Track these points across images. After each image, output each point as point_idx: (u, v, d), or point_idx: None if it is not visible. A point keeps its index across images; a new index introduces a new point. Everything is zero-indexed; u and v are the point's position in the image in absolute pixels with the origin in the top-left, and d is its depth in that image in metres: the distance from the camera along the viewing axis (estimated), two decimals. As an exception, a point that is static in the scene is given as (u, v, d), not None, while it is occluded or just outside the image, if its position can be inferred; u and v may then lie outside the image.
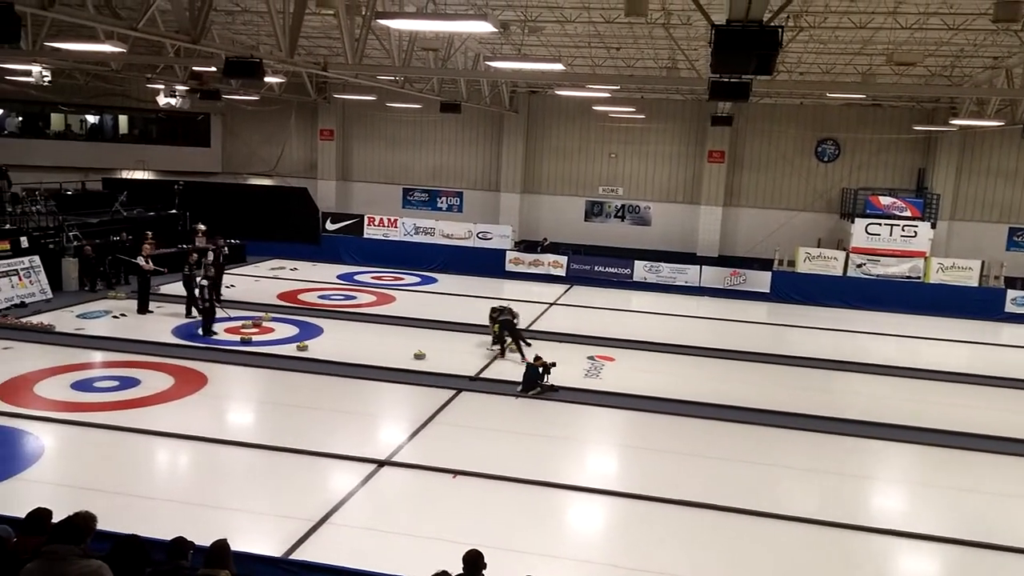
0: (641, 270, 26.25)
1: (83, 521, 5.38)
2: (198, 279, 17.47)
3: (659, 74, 23.00)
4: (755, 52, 7.83)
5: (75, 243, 20.76)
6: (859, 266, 25.22)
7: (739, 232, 29.83)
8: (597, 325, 19.79)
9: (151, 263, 18.89)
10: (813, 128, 28.99)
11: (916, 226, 25.17)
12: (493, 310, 17.28)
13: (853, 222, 25.64)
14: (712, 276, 25.83)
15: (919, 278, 24.95)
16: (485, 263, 26.86)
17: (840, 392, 15.64)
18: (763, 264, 26.55)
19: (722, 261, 27.89)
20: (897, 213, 25.59)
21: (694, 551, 9.03)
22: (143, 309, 18.58)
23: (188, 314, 18.22)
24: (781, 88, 23.96)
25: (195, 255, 18.81)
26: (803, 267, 25.56)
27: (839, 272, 25.34)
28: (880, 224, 25.22)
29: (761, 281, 25.47)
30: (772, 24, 7.87)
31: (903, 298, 24.40)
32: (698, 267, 26.20)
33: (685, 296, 24.86)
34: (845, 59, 20.38)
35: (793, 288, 25.20)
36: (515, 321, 16.97)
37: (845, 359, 17.83)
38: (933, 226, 25.67)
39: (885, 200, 25.90)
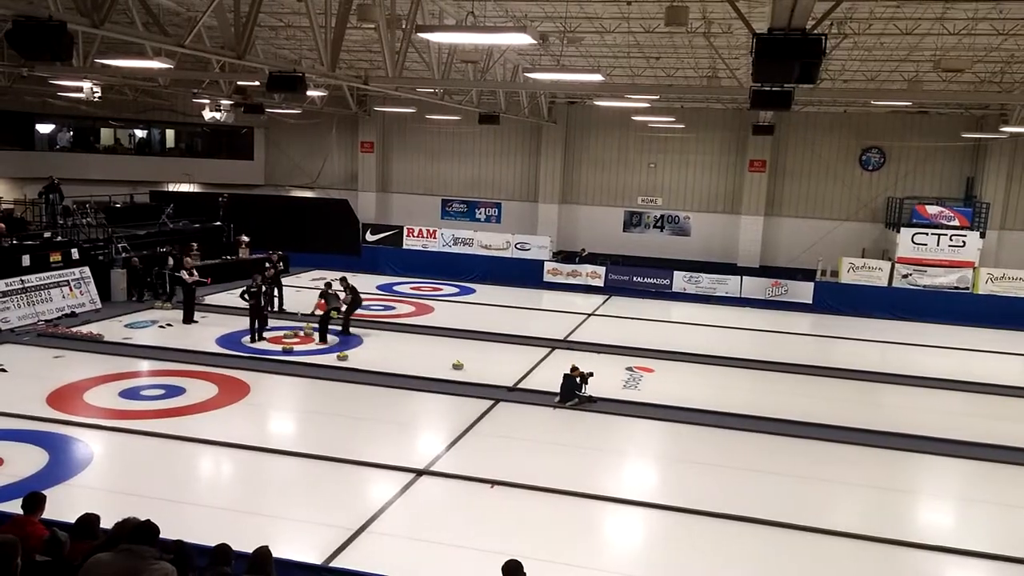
0: (680, 281, 26.01)
1: (154, 526, 5.51)
2: (255, 286, 17.74)
3: (699, 83, 22.85)
4: (798, 61, 7.72)
5: (123, 255, 21.27)
6: (905, 276, 24.69)
7: (781, 242, 29.43)
8: (636, 336, 19.65)
9: (196, 274, 19.22)
10: (857, 136, 28.52)
11: (965, 236, 24.59)
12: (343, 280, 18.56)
13: (899, 232, 25.15)
14: (753, 287, 25.50)
15: (968, 289, 24.33)
16: (523, 273, 26.89)
17: (886, 405, 15.31)
18: (806, 275, 26.11)
19: (763, 272, 27.54)
20: (945, 222, 25.05)
21: (734, 565, 8.87)
22: (188, 319, 18.93)
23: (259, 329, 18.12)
24: (824, 96, 23.60)
25: (259, 276, 18.61)
26: (847, 277, 25.10)
27: (884, 283, 24.84)
28: (927, 234, 24.68)
29: (803, 292, 25.07)
30: (815, 32, 7.77)
31: (951, 309, 23.82)
32: (739, 278, 25.88)
33: (725, 307, 24.58)
34: (891, 66, 20.03)
35: (836, 299, 24.76)
36: (335, 295, 17.80)
37: (891, 371, 17.45)
38: (982, 236, 25.07)
39: (932, 209, 25.38)
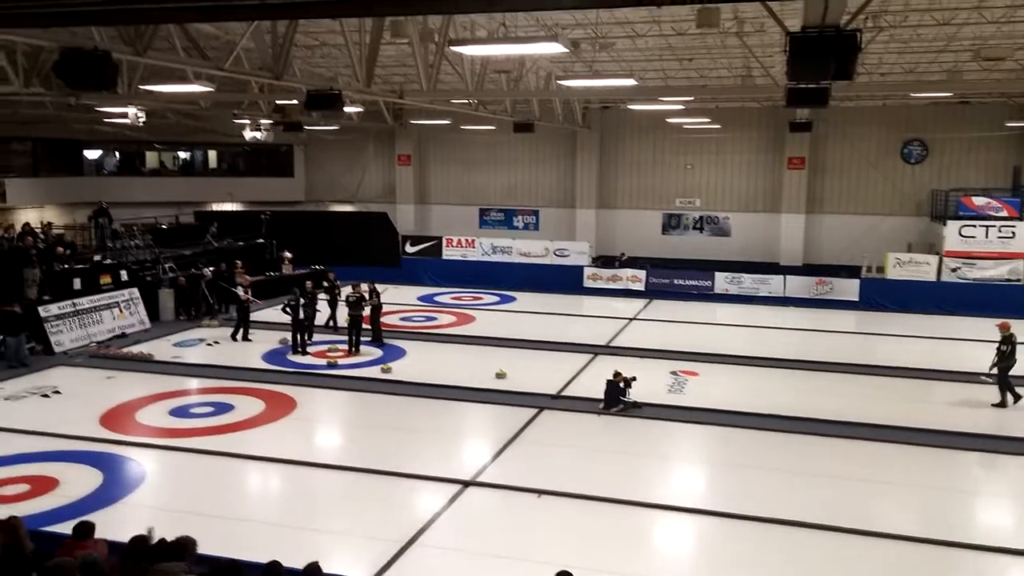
0: (722, 282, 25.74)
1: (187, 542, 5.64)
2: (294, 300, 17.97)
3: (734, 83, 22.64)
4: (833, 57, 7.62)
5: (170, 275, 21.75)
6: (954, 270, 24.12)
7: (823, 239, 28.96)
8: (679, 339, 19.49)
9: (250, 293, 19.42)
10: (898, 129, 27.98)
11: (1014, 226, 23.94)
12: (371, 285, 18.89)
13: (945, 224, 24.58)
14: (797, 286, 25.11)
15: (1019, 281, 23.69)
16: (563, 280, 26.85)
17: (938, 403, 14.94)
18: (850, 271, 25.65)
19: (807, 270, 27.11)
20: (993, 213, 24.42)
21: (788, 571, 8.74)
22: (243, 336, 19.01)
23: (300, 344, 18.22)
24: (862, 91, 23.20)
25: (297, 290, 18.72)
26: (893, 273, 24.61)
27: (932, 277, 24.29)
28: (975, 226, 24.10)
29: (849, 289, 24.63)
30: (850, 28, 7.66)
31: (1002, 302, 23.08)
32: (782, 277, 25.52)
33: (769, 307, 24.25)
34: (929, 57, 19.61)
35: (883, 295, 24.27)
36: (358, 300, 18.07)
37: (942, 368, 17.04)
38: (1033, 225, 24.41)
39: (979, 200, 24.77)
